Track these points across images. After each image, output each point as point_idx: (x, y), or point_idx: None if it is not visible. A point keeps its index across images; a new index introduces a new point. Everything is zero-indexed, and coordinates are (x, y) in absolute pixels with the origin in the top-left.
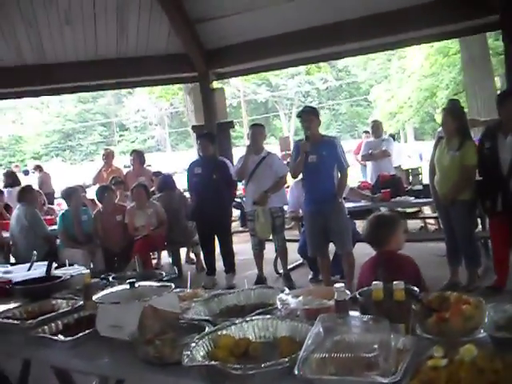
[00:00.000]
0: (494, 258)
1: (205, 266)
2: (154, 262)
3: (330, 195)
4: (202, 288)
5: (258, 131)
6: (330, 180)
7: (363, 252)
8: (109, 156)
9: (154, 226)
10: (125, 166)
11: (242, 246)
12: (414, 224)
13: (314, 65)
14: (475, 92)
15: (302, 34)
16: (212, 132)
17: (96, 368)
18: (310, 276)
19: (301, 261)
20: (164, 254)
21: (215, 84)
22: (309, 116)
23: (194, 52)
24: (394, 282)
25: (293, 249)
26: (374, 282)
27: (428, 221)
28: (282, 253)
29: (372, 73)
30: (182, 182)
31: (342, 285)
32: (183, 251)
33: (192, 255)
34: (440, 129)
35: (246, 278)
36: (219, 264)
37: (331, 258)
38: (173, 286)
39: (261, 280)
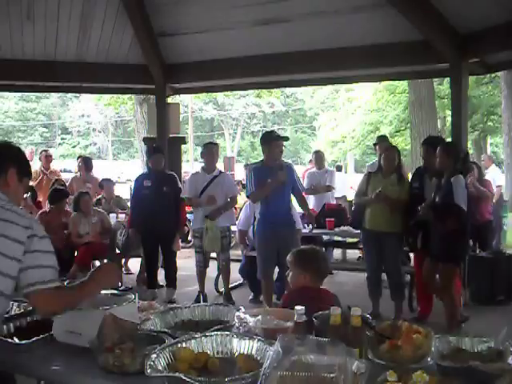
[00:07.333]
0: (418, 290)
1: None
2: None
3: (285, 219)
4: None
5: (212, 150)
6: (286, 204)
7: None
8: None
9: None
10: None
11: (182, 261)
12: (352, 254)
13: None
14: (419, 131)
15: (257, 59)
16: (163, 145)
17: (51, 374)
18: (251, 297)
19: (241, 281)
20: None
21: (169, 98)
22: (281, 142)
23: (154, 64)
24: (353, 309)
25: (234, 269)
26: (333, 307)
27: None
28: (224, 272)
29: (319, 101)
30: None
31: (302, 308)
32: None
33: (129, 266)
34: (371, 163)
35: (186, 293)
36: (160, 278)
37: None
38: (133, 296)
39: (201, 297)
